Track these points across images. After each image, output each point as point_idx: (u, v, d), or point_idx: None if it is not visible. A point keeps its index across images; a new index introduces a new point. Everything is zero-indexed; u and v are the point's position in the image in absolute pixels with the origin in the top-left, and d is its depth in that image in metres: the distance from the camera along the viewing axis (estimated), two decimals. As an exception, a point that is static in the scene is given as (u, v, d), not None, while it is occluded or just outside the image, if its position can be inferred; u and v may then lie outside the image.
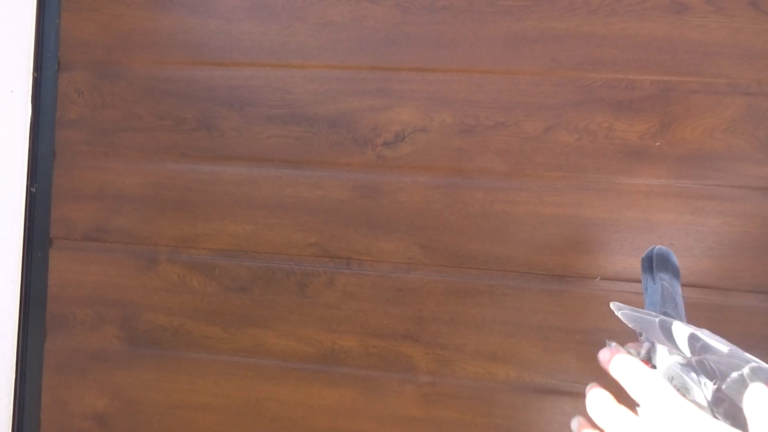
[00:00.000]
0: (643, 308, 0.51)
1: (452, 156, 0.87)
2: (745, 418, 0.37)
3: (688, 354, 0.44)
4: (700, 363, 0.42)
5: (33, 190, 0.97)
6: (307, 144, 0.90)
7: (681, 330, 0.46)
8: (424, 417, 0.90)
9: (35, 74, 0.96)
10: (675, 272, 0.52)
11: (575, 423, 0.47)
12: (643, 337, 0.49)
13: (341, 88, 0.89)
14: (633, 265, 0.84)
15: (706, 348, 0.44)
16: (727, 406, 0.39)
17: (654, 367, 0.47)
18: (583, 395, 0.87)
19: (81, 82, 0.95)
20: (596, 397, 0.44)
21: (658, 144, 0.83)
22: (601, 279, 0.74)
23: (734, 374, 0.39)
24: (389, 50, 0.88)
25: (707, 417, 0.38)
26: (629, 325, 0.48)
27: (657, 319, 0.47)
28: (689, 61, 0.82)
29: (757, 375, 0.39)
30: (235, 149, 0.92)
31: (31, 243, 0.97)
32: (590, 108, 0.84)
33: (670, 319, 0.47)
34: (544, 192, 0.85)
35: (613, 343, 0.50)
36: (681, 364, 0.44)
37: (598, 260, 0.84)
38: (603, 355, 0.47)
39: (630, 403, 0.44)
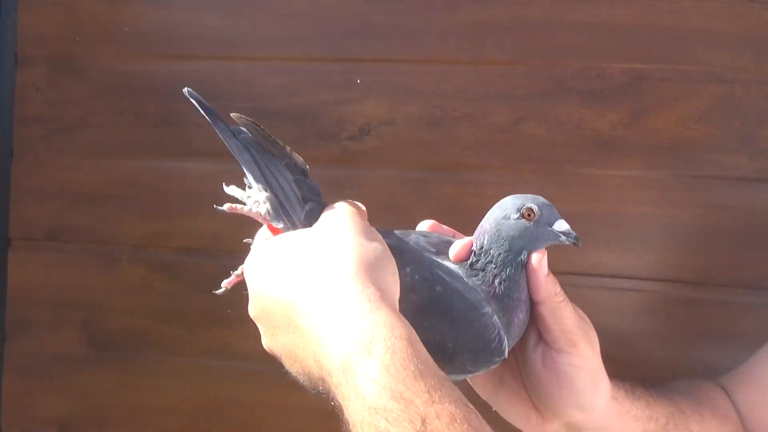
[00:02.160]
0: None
1: (419, 149, 0.81)
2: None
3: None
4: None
5: (-9, 189, 0.90)
6: (271, 139, 0.84)
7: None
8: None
9: (-8, 70, 0.89)
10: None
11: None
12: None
13: (305, 81, 0.82)
14: (605, 259, 0.77)
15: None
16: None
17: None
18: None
19: (39, 77, 0.88)
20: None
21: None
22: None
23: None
24: (353, 41, 0.81)
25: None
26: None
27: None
28: (661, 48, 0.75)
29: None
30: (199, 144, 0.85)
31: (-10, 244, 0.90)
32: (560, 98, 0.77)
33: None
34: (514, 185, 0.78)
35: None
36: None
37: (569, 254, 0.77)
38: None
39: None
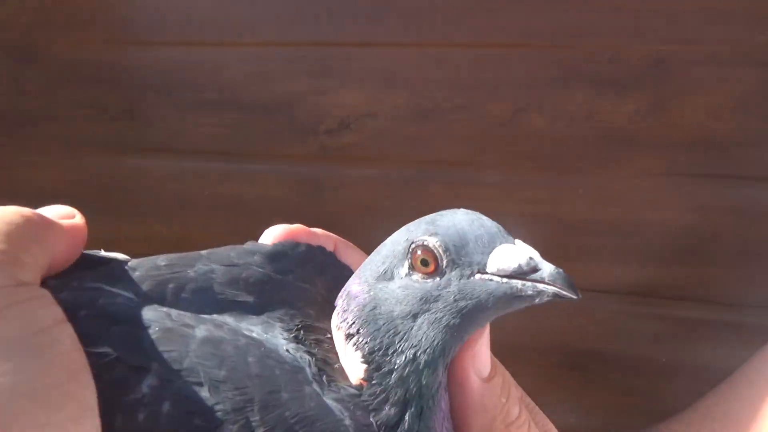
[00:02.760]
0: None
1: (405, 145, 0.70)
2: None
3: None
4: None
5: (-52, 188, 0.82)
6: (241, 133, 0.74)
7: None
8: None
9: (-52, 59, 0.81)
10: None
11: None
12: None
13: (279, 69, 0.72)
14: (619, 274, 0.65)
15: None
16: None
17: None
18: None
19: (-3, 67, 0.80)
20: None
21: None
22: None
23: None
24: (332, 23, 0.71)
25: None
26: None
27: None
28: (688, 26, 0.63)
29: None
30: (162, 140, 0.76)
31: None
32: (568, 85, 0.65)
33: None
34: (513, 186, 0.67)
35: None
36: None
37: (576, 268, 0.65)
38: None
39: None
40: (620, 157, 0.65)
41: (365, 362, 0.23)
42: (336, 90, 0.71)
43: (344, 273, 0.28)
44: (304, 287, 0.25)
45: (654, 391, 0.66)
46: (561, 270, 0.23)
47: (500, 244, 0.24)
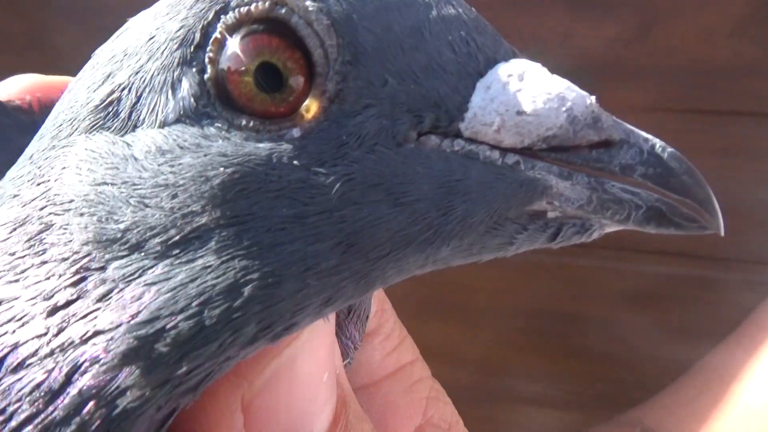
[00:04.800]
0: None
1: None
2: None
3: None
4: None
5: None
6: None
7: None
8: None
9: None
10: None
11: None
12: None
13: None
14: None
15: None
16: None
17: None
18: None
19: None
20: None
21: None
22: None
23: None
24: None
25: None
26: None
27: None
28: (680, -67, 0.53)
29: None
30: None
31: None
32: (537, 6, 0.55)
33: None
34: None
35: None
36: None
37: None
38: None
39: None
40: (598, 90, 0.54)
41: None
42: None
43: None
44: None
45: (634, 361, 0.57)
46: (675, 151, 0.10)
47: (505, 59, 0.10)
